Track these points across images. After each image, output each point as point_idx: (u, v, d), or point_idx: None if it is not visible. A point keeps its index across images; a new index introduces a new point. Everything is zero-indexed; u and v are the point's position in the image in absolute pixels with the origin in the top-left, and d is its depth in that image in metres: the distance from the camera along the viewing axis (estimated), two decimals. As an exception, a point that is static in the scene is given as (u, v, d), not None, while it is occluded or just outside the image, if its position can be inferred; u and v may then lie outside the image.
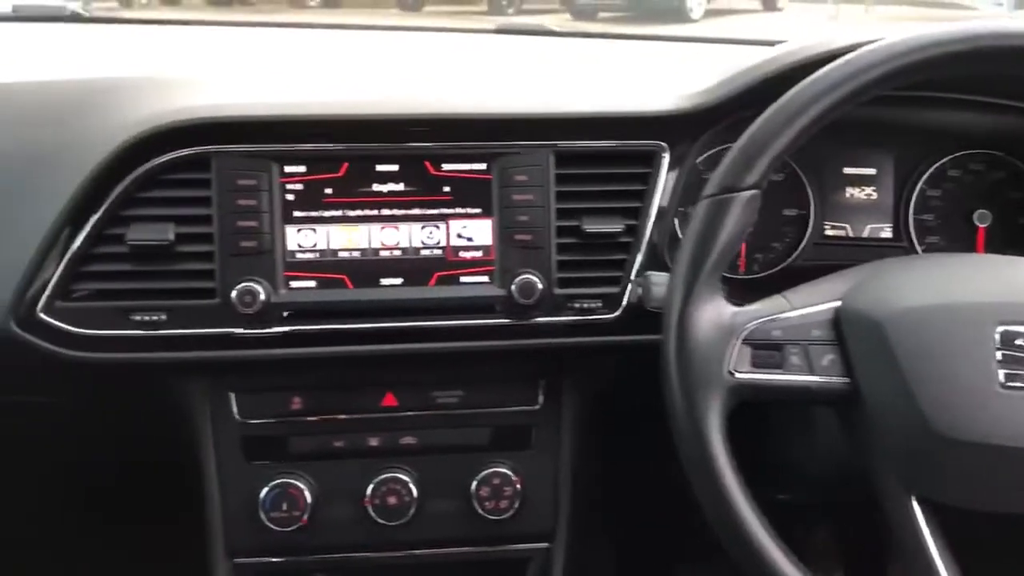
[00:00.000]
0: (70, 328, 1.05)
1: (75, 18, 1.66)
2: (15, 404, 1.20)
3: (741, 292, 0.94)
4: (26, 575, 1.55)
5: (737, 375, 0.84)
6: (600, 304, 1.11)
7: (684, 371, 0.83)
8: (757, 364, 0.85)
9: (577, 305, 1.11)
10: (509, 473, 1.14)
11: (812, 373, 0.86)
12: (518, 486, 1.14)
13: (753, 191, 0.87)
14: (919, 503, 0.83)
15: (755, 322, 0.86)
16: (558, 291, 1.10)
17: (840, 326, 0.86)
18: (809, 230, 1.24)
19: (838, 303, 0.87)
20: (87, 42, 1.60)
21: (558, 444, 1.17)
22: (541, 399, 1.18)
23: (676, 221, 1.16)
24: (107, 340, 1.06)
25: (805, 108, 0.86)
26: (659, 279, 1.04)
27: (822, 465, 1.06)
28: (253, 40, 1.71)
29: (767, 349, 0.85)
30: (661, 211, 1.12)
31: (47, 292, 1.05)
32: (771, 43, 1.46)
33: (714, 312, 0.85)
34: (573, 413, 1.18)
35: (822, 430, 1.02)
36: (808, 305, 0.88)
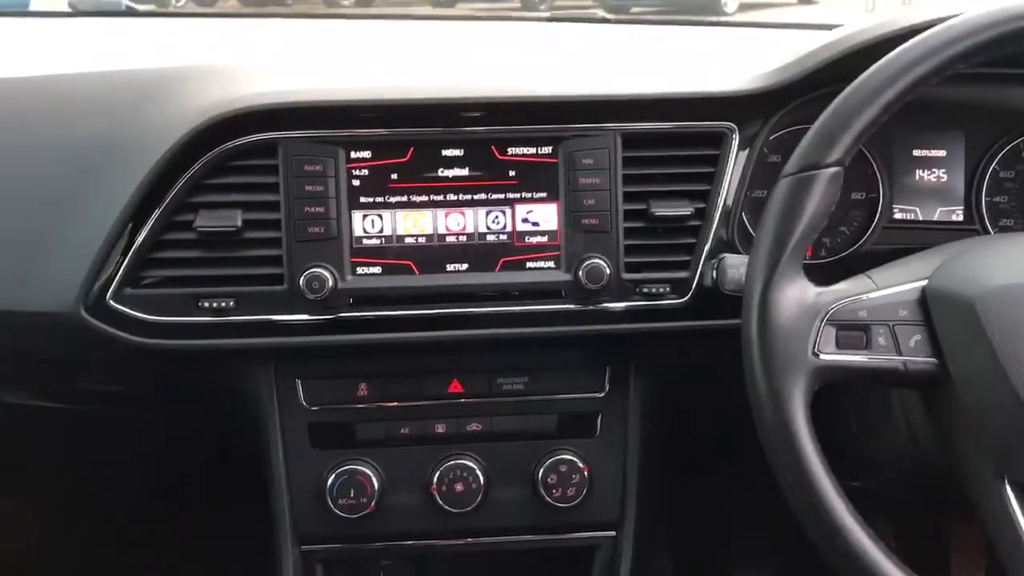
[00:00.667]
0: (139, 315, 1.06)
1: (129, 13, 1.67)
2: (87, 394, 1.21)
3: (809, 278, 0.92)
4: (94, 564, 1.57)
5: (822, 356, 0.82)
6: (668, 289, 1.09)
7: (767, 353, 0.81)
8: (842, 345, 0.83)
9: (645, 290, 1.09)
10: (576, 460, 1.13)
11: (899, 354, 0.84)
12: (585, 473, 1.13)
13: (836, 168, 0.85)
14: (1012, 487, 0.80)
15: (840, 302, 0.84)
16: (625, 276, 1.09)
17: (927, 306, 0.84)
18: (878, 213, 1.21)
19: (924, 282, 0.85)
20: (140, 35, 1.61)
21: (625, 431, 1.16)
22: (607, 386, 1.16)
23: (743, 210, 1.14)
24: (176, 327, 1.06)
25: (890, 83, 0.83)
26: (736, 261, 1.02)
27: (899, 451, 1.03)
28: (298, 32, 1.72)
29: (853, 330, 0.83)
30: (729, 195, 1.10)
31: (117, 279, 1.05)
32: (823, 27, 1.43)
33: (797, 292, 0.84)
34: (640, 401, 1.16)
35: (899, 414, 1.00)
36: (894, 285, 0.86)
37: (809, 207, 0.84)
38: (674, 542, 1.47)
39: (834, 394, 0.87)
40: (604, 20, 1.66)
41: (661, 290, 1.09)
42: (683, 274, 1.10)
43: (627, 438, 1.16)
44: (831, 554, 0.81)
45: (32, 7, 2.03)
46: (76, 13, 1.62)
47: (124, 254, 1.05)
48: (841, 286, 0.87)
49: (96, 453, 1.41)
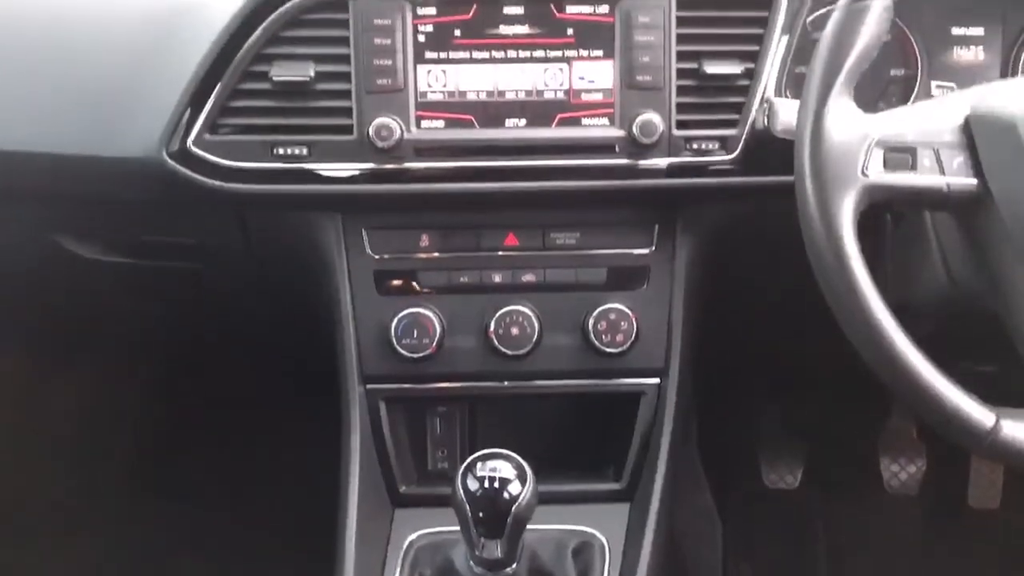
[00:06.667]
0: (218, 160, 1.12)
1: None
2: (160, 247, 1.28)
3: None
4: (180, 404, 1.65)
5: (870, 176, 0.88)
6: (717, 146, 1.15)
7: (818, 171, 0.87)
8: (889, 166, 0.88)
9: (695, 146, 1.15)
10: (625, 309, 1.20)
11: (942, 174, 0.89)
12: (633, 321, 1.20)
13: (887, 1, 0.89)
14: None
15: (888, 126, 0.89)
16: (677, 132, 1.14)
17: (971, 129, 0.89)
18: (916, 89, 1.25)
19: (969, 108, 0.90)
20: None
21: (671, 285, 1.22)
22: (655, 243, 1.22)
23: (786, 86, 1.18)
24: (252, 172, 1.13)
25: None
26: (785, 104, 1.07)
27: (935, 290, 1.09)
28: None
29: (899, 152, 0.89)
30: (778, 56, 1.15)
31: (197, 125, 1.12)
32: None
33: (849, 116, 0.89)
34: (687, 257, 1.22)
35: (935, 251, 1.05)
36: (939, 111, 0.91)
37: (863, 35, 0.88)
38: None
39: (871, 240, 0.93)
40: None
41: (711, 146, 1.15)
42: (732, 131, 1.15)
43: (673, 291, 1.22)
44: (878, 362, 0.86)
45: None
46: None
47: (204, 103, 1.12)
48: (890, 113, 0.92)
49: (160, 309, 1.48)
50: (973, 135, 0.89)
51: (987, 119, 0.89)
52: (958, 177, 0.89)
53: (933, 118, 0.91)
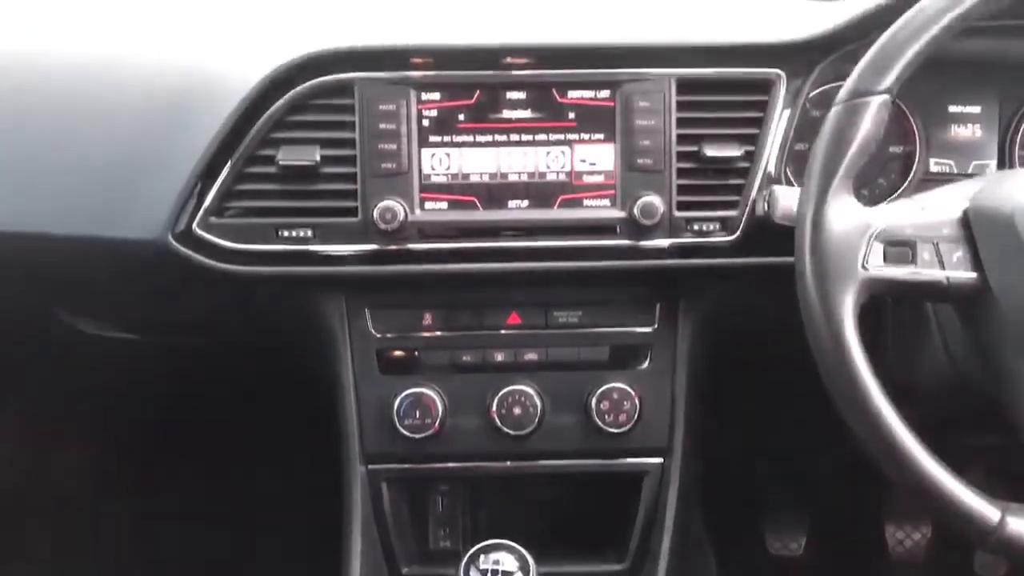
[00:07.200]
0: (222, 242, 1.13)
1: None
2: (162, 325, 1.28)
3: None
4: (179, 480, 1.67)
5: (871, 270, 0.89)
6: (718, 227, 1.16)
7: (819, 264, 0.88)
8: (889, 260, 0.89)
9: (696, 227, 1.16)
10: (628, 388, 1.20)
11: (942, 268, 0.90)
12: (636, 401, 1.20)
13: (886, 96, 0.91)
14: None
15: (888, 220, 0.90)
16: (677, 214, 1.15)
17: (969, 223, 0.90)
18: (915, 166, 1.27)
19: (967, 202, 0.91)
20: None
21: (674, 364, 1.22)
22: (657, 322, 1.23)
23: (786, 164, 1.19)
24: (257, 255, 1.14)
25: (942, 13, 0.89)
26: (786, 191, 1.08)
27: (936, 374, 1.09)
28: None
29: (899, 246, 0.89)
30: (777, 138, 1.17)
31: (203, 209, 1.13)
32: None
33: (849, 210, 0.90)
34: (689, 336, 1.22)
35: (936, 336, 1.06)
36: (938, 204, 0.92)
37: (861, 131, 0.90)
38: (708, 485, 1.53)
39: (872, 321, 0.93)
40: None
41: (711, 227, 1.16)
42: (732, 213, 1.16)
43: (676, 370, 1.23)
44: (879, 455, 0.86)
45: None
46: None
47: (210, 186, 1.13)
48: (888, 206, 0.93)
49: (166, 389, 1.49)
50: (972, 229, 0.90)
51: (985, 213, 0.90)
52: (957, 271, 0.89)
53: (932, 212, 0.92)
